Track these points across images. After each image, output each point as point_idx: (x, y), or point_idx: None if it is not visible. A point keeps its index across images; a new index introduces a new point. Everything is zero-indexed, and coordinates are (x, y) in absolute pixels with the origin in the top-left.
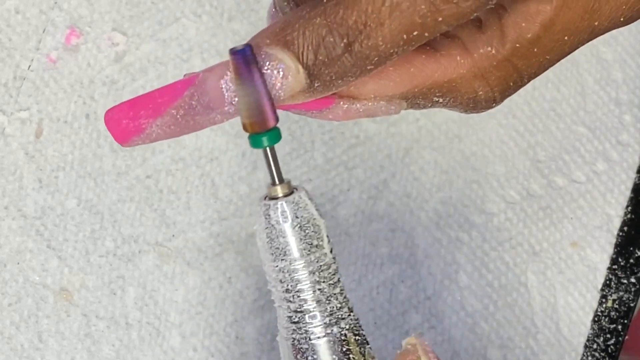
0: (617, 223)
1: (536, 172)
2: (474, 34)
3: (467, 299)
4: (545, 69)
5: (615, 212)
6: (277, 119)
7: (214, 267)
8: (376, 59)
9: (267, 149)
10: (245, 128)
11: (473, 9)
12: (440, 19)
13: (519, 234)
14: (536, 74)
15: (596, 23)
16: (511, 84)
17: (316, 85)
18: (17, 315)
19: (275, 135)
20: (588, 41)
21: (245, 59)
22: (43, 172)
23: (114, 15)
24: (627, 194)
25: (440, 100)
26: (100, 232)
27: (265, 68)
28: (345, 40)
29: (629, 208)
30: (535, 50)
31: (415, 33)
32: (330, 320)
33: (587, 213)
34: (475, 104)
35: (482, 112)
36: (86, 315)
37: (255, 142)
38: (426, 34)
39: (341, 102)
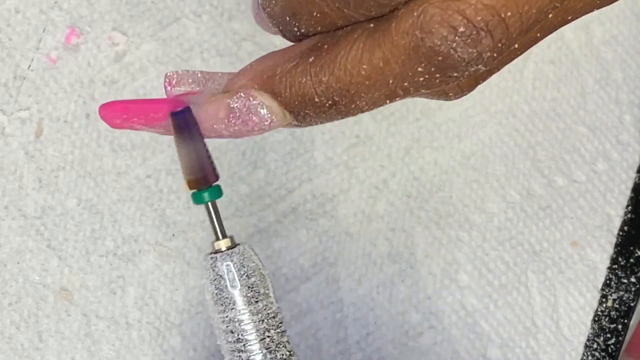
0: (617, 223)
1: (536, 172)
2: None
3: (467, 299)
4: (516, 54)
5: (616, 212)
6: (217, 176)
7: None
8: (359, 111)
9: (210, 204)
10: (187, 185)
11: (444, 78)
12: (421, 90)
13: (519, 233)
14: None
15: None
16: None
17: (301, 125)
18: (17, 315)
19: (216, 191)
20: (565, 14)
21: (186, 120)
22: (43, 172)
23: (114, 15)
24: (627, 193)
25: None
26: (101, 231)
27: (254, 117)
28: (330, 102)
29: (629, 208)
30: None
31: (396, 98)
32: None
33: (587, 213)
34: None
35: (455, 98)
36: (86, 315)
37: (197, 198)
38: (404, 97)
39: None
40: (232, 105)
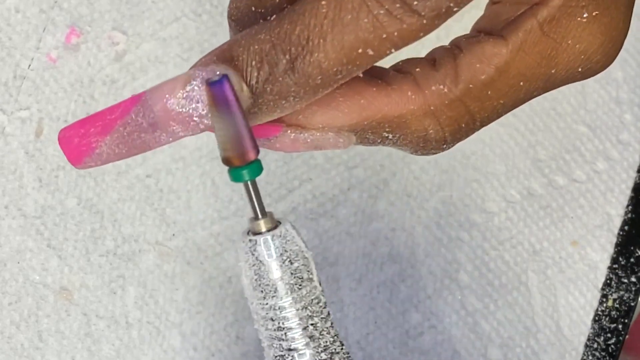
0: (617, 222)
1: (537, 171)
2: (428, 71)
3: (467, 298)
4: (499, 114)
5: (616, 211)
6: (257, 151)
7: (214, 266)
8: (320, 78)
9: (249, 182)
10: (224, 162)
11: (418, 27)
12: (384, 35)
13: (520, 233)
14: (489, 119)
15: (553, 71)
16: (463, 125)
17: (260, 105)
18: (17, 315)
19: (256, 168)
20: (544, 91)
21: (222, 90)
22: (43, 172)
23: (114, 15)
24: (628, 193)
25: (390, 136)
26: (101, 231)
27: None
28: (287, 57)
29: (630, 207)
30: (489, 93)
31: (359, 50)
32: (324, 356)
33: (587, 212)
34: (425, 143)
35: (433, 153)
36: (86, 315)
37: (235, 176)
38: (370, 52)
39: (288, 131)
40: (188, 80)
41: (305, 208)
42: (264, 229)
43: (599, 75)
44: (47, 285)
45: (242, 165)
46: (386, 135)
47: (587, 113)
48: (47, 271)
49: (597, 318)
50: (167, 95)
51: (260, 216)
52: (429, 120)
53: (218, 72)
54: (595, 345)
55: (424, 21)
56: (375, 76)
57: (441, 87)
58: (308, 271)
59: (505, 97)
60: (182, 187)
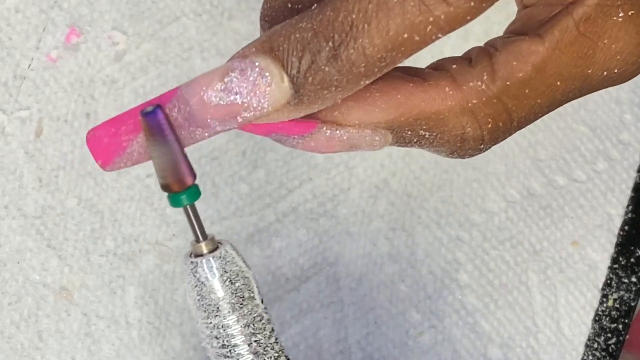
0: (617, 222)
1: (537, 171)
2: (464, 67)
3: (467, 298)
4: (537, 115)
5: (616, 211)
6: (194, 177)
7: None
8: (363, 65)
9: (188, 206)
10: (163, 188)
11: (465, 10)
12: (431, 19)
13: (520, 232)
14: (527, 119)
15: (589, 71)
16: (500, 124)
17: (301, 96)
18: (17, 315)
19: (194, 192)
20: (581, 93)
21: (157, 119)
22: (43, 171)
23: (114, 14)
24: (628, 192)
25: (427, 134)
26: (101, 231)
27: (250, 77)
28: (330, 44)
29: (630, 207)
30: (527, 91)
31: (405, 35)
32: None
33: (587, 212)
34: (462, 143)
35: (470, 155)
36: (86, 315)
37: (175, 201)
38: (416, 37)
39: (324, 128)
40: (226, 71)
41: (305, 208)
42: (205, 251)
43: None
44: (47, 285)
45: (180, 190)
46: (423, 133)
47: (587, 113)
48: (47, 271)
49: (597, 318)
50: (204, 88)
51: (201, 238)
52: (467, 118)
53: (257, 63)
54: (595, 345)
55: (472, 3)
56: (412, 74)
57: (479, 83)
58: (249, 290)
59: (543, 97)
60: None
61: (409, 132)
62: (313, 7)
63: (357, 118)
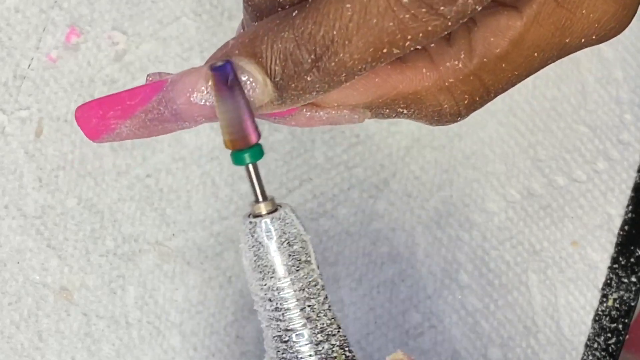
0: (617, 222)
1: (537, 171)
2: (442, 46)
3: (467, 298)
4: (513, 84)
5: (616, 211)
6: (259, 135)
7: (215, 266)
8: (344, 75)
9: (250, 166)
10: (226, 145)
11: (442, 28)
12: (409, 36)
13: (520, 233)
14: (503, 89)
15: (567, 40)
16: (477, 98)
17: (284, 98)
18: (17, 315)
19: (257, 151)
20: (558, 58)
21: (226, 75)
22: (43, 171)
23: (114, 14)
24: (628, 192)
25: (405, 111)
26: (101, 231)
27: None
28: (312, 56)
29: (630, 207)
30: (504, 65)
31: (384, 50)
32: (320, 337)
33: (587, 212)
34: (440, 117)
35: (447, 124)
36: (86, 315)
37: (237, 159)
38: (395, 51)
39: (304, 110)
40: (210, 73)
41: (305, 208)
42: (264, 212)
43: (599, 75)
44: (47, 285)
45: (243, 148)
46: (401, 110)
47: (587, 113)
48: (47, 271)
49: (597, 318)
50: (190, 89)
51: (260, 199)
52: (444, 96)
53: (241, 66)
54: (595, 345)
55: (449, 23)
56: None
57: (456, 62)
58: (306, 254)
59: (520, 69)
60: (182, 187)
61: (387, 110)
62: (294, 14)
63: (336, 100)
